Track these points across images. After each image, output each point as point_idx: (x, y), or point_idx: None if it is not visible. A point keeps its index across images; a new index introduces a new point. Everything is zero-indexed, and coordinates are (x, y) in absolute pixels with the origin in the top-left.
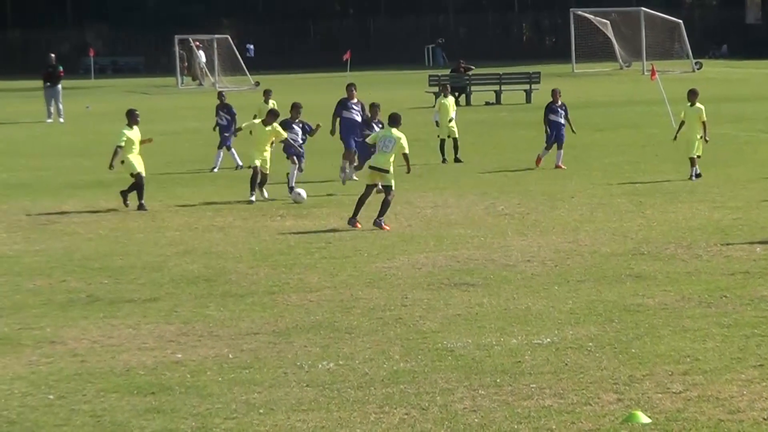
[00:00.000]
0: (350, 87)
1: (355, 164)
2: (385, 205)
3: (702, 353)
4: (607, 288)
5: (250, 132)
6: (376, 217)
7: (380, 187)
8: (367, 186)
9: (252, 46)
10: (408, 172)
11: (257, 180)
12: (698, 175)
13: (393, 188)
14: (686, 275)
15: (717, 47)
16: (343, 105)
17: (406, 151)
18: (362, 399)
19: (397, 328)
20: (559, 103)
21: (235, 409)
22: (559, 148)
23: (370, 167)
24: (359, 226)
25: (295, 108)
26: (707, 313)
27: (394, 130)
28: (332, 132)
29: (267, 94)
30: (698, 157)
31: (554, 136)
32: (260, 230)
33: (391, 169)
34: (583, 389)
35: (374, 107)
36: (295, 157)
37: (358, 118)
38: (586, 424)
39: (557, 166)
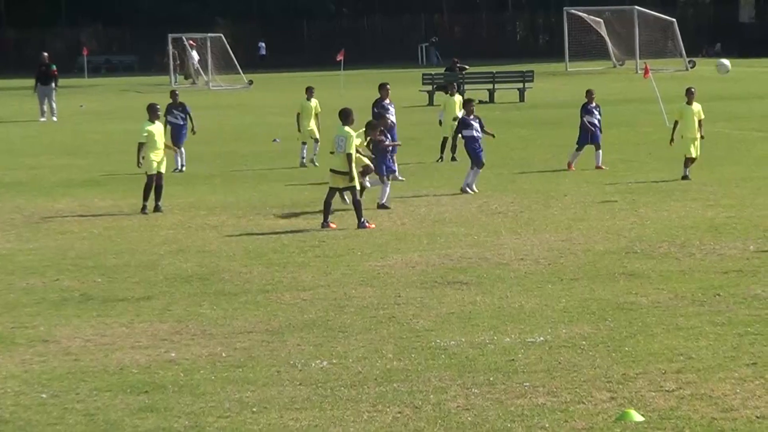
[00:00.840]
0: (384, 87)
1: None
2: (356, 206)
3: (695, 351)
4: (600, 286)
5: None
6: (357, 223)
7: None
8: (330, 189)
9: (264, 44)
10: (350, 179)
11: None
12: (685, 177)
13: (357, 188)
14: (679, 273)
15: (710, 46)
16: (378, 106)
17: (351, 151)
18: (355, 397)
19: (391, 326)
20: (594, 104)
21: (228, 407)
22: (597, 148)
23: (331, 170)
24: (333, 226)
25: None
26: (700, 311)
27: (347, 128)
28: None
29: (309, 91)
30: (694, 158)
31: (590, 137)
32: (253, 229)
33: (353, 169)
34: (576, 388)
35: (469, 103)
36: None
37: (394, 119)
38: (580, 422)
39: (598, 167)
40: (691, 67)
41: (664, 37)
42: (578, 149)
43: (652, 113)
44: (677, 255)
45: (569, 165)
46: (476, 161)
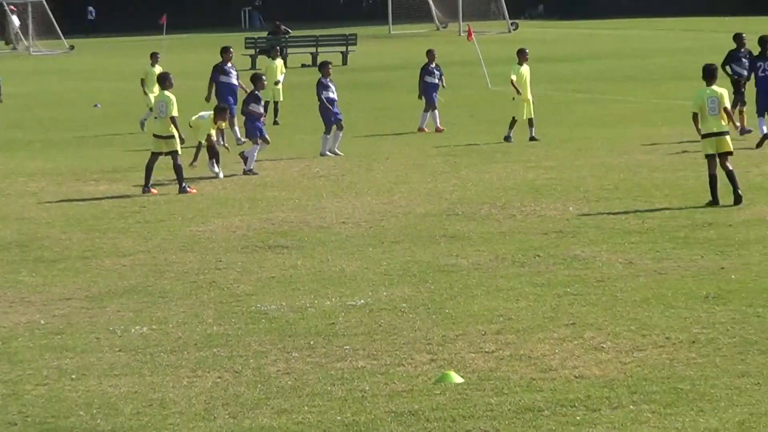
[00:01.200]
0: (228, 50)
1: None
2: (177, 171)
3: (515, 312)
4: (421, 249)
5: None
6: (178, 188)
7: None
8: (153, 153)
9: (93, 9)
10: (182, 141)
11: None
12: (507, 138)
13: (179, 152)
14: (500, 235)
15: (533, 8)
16: (219, 70)
17: (174, 114)
18: (175, 363)
19: (211, 291)
20: (434, 64)
21: (46, 375)
22: (433, 109)
23: (154, 135)
24: (155, 192)
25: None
26: (520, 272)
27: (167, 93)
28: (207, 98)
29: (154, 57)
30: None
31: (429, 98)
32: (74, 195)
33: (176, 133)
34: (396, 350)
35: (326, 65)
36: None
37: (236, 82)
38: (399, 384)
39: (421, 129)
40: (514, 29)
41: None
42: (426, 110)
43: (475, 76)
44: (498, 217)
45: (438, 127)
46: (337, 123)
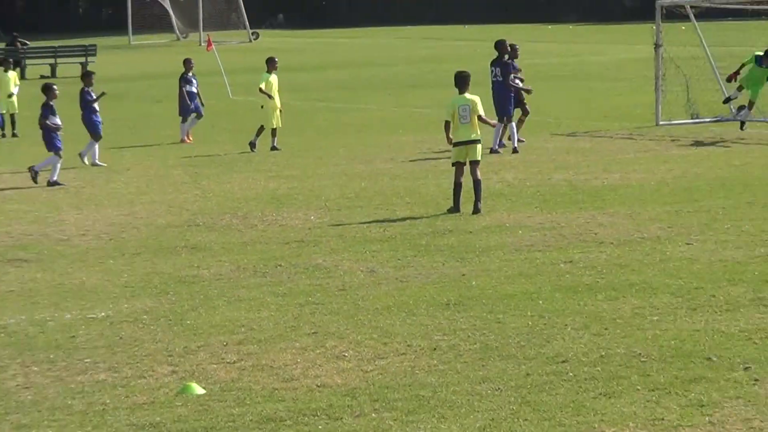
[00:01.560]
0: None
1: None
2: None
3: (257, 323)
4: (162, 260)
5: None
6: None
7: None
8: None
9: None
10: None
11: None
12: (252, 144)
13: None
14: (241, 245)
15: (273, 17)
16: None
17: None
18: None
19: None
20: (191, 73)
21: None
22: (198, 117)
23: None
24: None
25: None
26: (262, 282)
27: None
28: None
29: None
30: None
31: (192, 107)
32: None
33: None
34: (137, 362)
35: (89, 76)
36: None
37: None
38: (141, 397)
39: (183, 140)
40: (255, 39)
41: (229, 8)
42: (183, 121)
43: (217, 85)
44: (239, 227)
45: (184, 138)
46: (95, 135)
